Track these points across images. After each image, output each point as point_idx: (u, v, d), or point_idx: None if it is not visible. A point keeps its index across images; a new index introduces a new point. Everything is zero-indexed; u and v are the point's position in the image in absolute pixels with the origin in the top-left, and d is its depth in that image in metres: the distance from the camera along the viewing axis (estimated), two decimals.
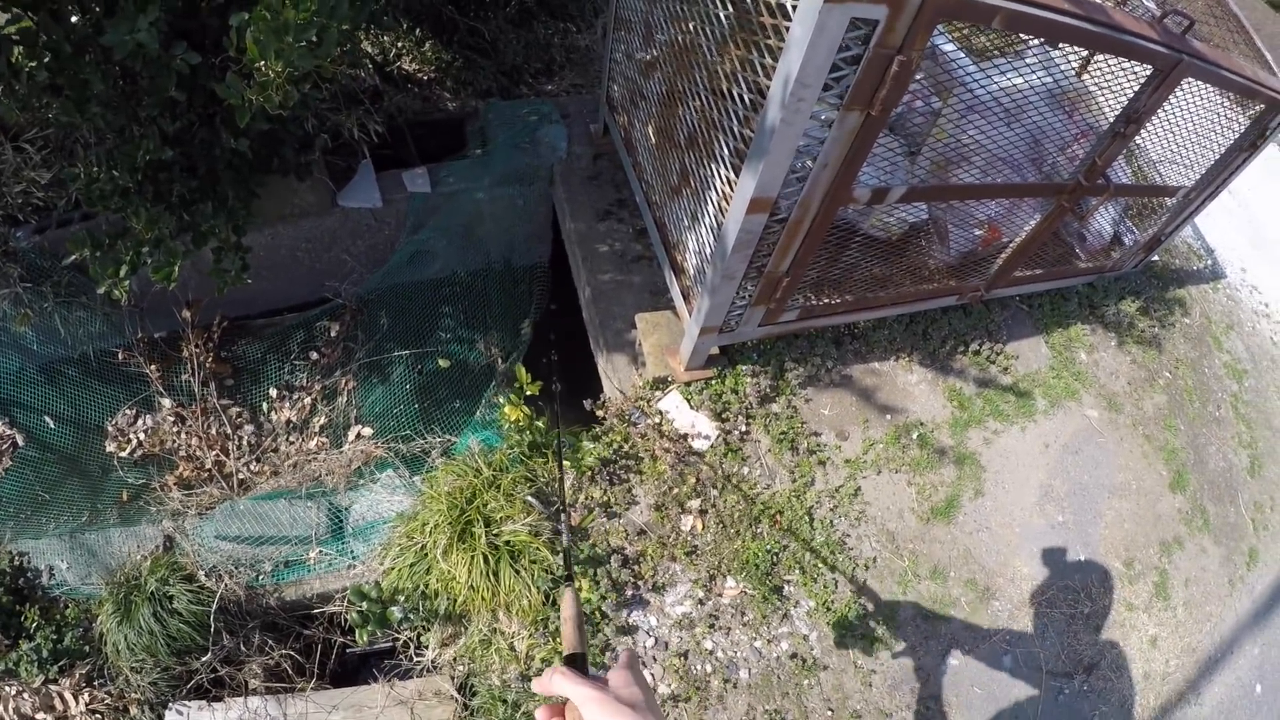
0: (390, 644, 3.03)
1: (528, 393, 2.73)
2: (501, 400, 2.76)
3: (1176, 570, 3.84)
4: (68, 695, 2.89)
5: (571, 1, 4.86)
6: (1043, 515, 3.68)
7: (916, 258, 3.71)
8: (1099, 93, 3.48)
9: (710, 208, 2.82)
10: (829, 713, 2.82)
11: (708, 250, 2.83)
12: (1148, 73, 2.90)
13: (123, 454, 3.60)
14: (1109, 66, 3.29)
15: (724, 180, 2.68)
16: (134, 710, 2.92)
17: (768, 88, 2.20)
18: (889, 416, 3.61)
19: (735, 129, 2.55)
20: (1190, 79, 3.08)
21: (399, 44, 4.30)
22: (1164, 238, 4.43)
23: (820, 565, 3.05)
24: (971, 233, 3.74)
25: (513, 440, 2.80)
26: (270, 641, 3.06)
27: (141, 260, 2.62)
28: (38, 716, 2.89)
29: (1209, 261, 5.45)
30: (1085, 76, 3.84)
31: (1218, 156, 3.86)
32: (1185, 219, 4.34)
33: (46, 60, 2.28)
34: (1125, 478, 4.00)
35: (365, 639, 2.50)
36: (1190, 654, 3.71)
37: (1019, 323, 4.25)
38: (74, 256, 2.67)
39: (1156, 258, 4.99)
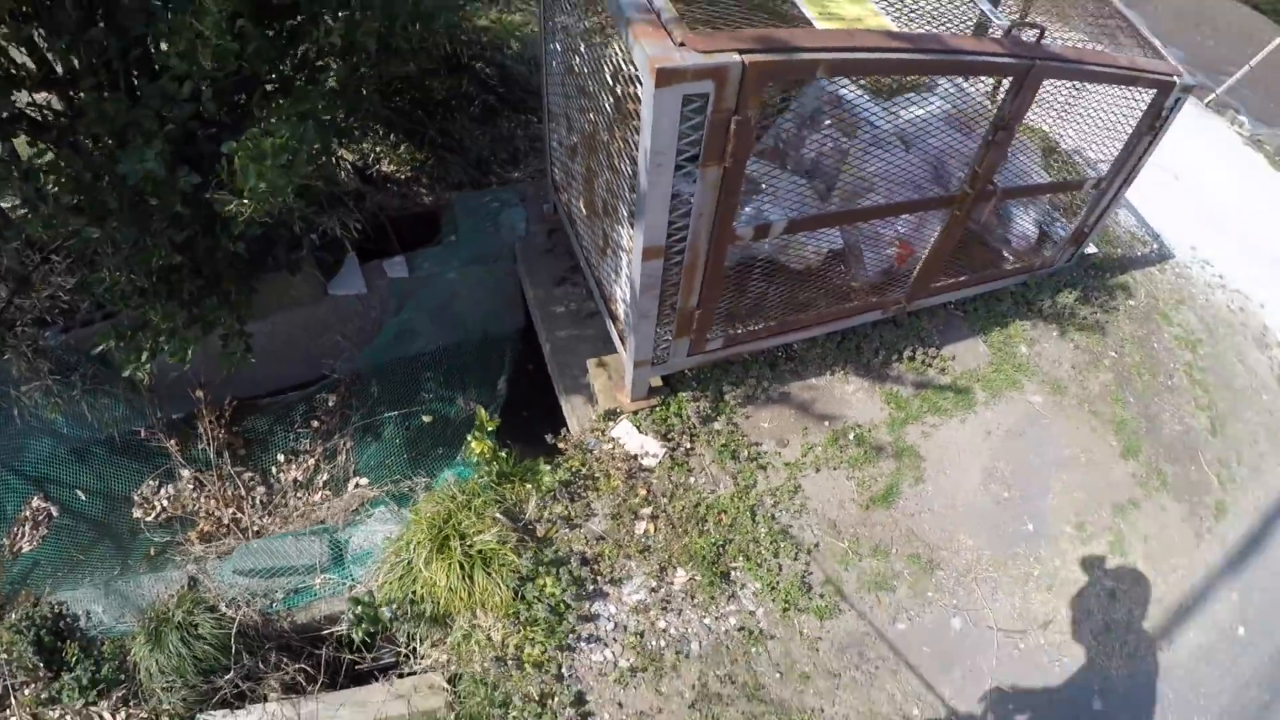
0: (393, 660, 3.60)
1: (489, 428, 3.39)
2: (469, 438, 3.42)
3: (1133, 529, 4.17)
4: (106, 715, 3.52)
5: (531, 96, 5.77)
6: (987, 494, 4.10)
7: (838, 281, 4.29)
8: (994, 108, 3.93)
9: (624, 260, 3.48)
10: (778, 675, 3.29)
11: (627, 297, 3.48)
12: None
13: (148, 518, 4.33)
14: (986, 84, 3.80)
15: (627, 238, 3.33)
16: None
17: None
18: (827, 423, 4.13)
19: (627, 195, 3.20)
20: (1052, 80, 3.58)
21: (376, 149, 5.22)
22: (1088, 229, 4.91)
23: (764, 552, 3.57)
24: (884, 251, 4.33)
25: (482, 470, 3.45)
26: (285, 660, 3.63)
27: (159, 348, 3.35)
28: None
29: (1155, 245, 5.86)
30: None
31: (1123, 143, 4.32)
32: (1106, 209, 4.80)
33: (69, 186, 2.96)
34: (1073, 451, 4.39)
35: (360, 634, 3.11)
36: (1156, 604, 3.99)
37: (953, 327, 4.75)
38: (101, 347, 3.39)
39: (1094, 249, 5.44)
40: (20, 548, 4.31)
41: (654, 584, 3.39)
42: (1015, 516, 4.05)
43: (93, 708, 3.57)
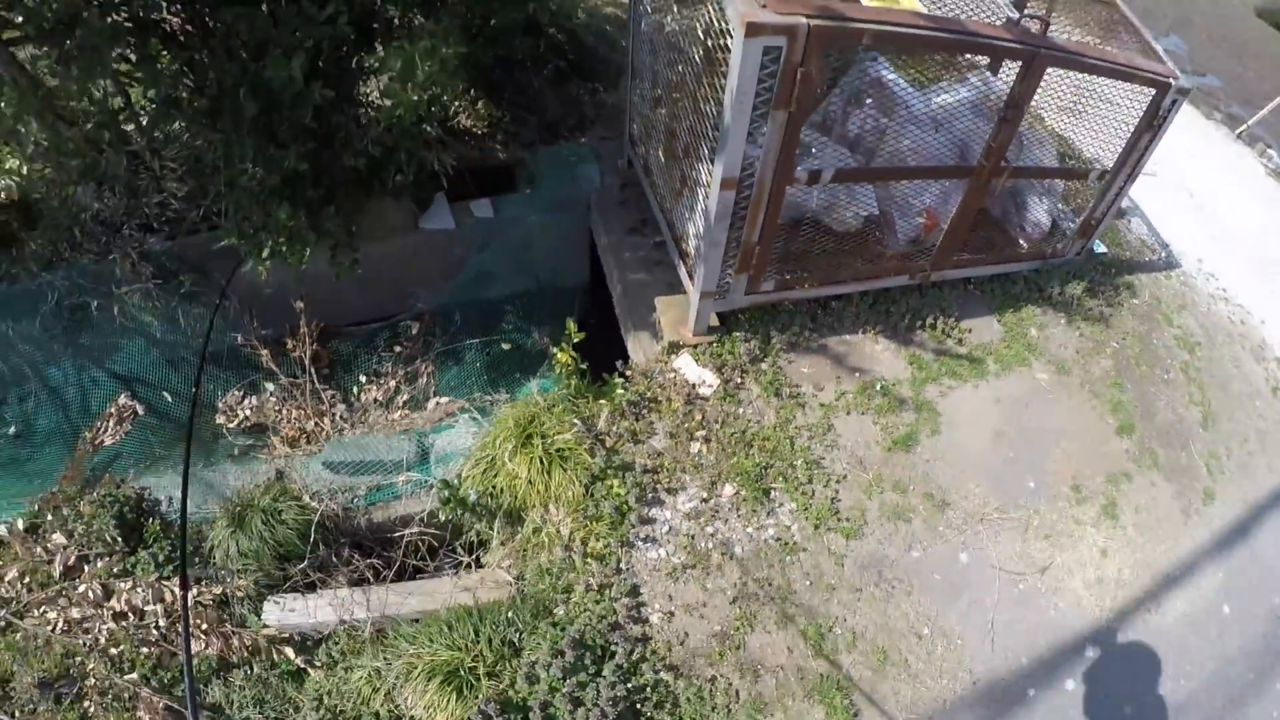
0: (454, 571, 3.98)
1: (574, 339, 3.83)
2: (555, 350, 3.84)
3: (1125, 498, 4.63)
4: (178, 590, 3.71)
5: (599, 65, 6.19)
6: (995, 452, 4.56)
7: (873, 244, 4.76)
8: None
9: (700, 196, 3.94)
10: (808, 583, 3.74)
11: (701, 229, 3.90)
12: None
13: (230, 425, 4.65)
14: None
15: (706, 174, 3.78)
16: (234, 605, 3.79)
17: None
18: (857, 375, 4.60)
19: (710, 133, 3.67)
20: (1054, 68, 4.03)
21: (457, 103, 5.59)
22: (1095, 222, 5.37)
23: (800, 477, 4.04)
24: (914, 220, 4.79)
25: (563, 384, 3.89)
26: (356, 556, 3.98)
27: (279, 248, 3.70)
28: (148, 607, 3.73)
29: (1163, 254, 6.34)
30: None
31: (1127, 138, 4.78)
32: (1113, 202, 5.25)
33: (212, 90, 3.32)
34: (1073, 425, 4.87)
35: (446, 516, 3.50)
36: (1145, 567, 4.42)
37: (971, 303, 5.23)
38: (225, 242, 3.77)
39: (1104, 249, 5.91)
40: (102, 441, 4.60)
41: (705, 495, 3.84)
42: (1019, 473, 4.52)
43: (165, 583, 3.81)
